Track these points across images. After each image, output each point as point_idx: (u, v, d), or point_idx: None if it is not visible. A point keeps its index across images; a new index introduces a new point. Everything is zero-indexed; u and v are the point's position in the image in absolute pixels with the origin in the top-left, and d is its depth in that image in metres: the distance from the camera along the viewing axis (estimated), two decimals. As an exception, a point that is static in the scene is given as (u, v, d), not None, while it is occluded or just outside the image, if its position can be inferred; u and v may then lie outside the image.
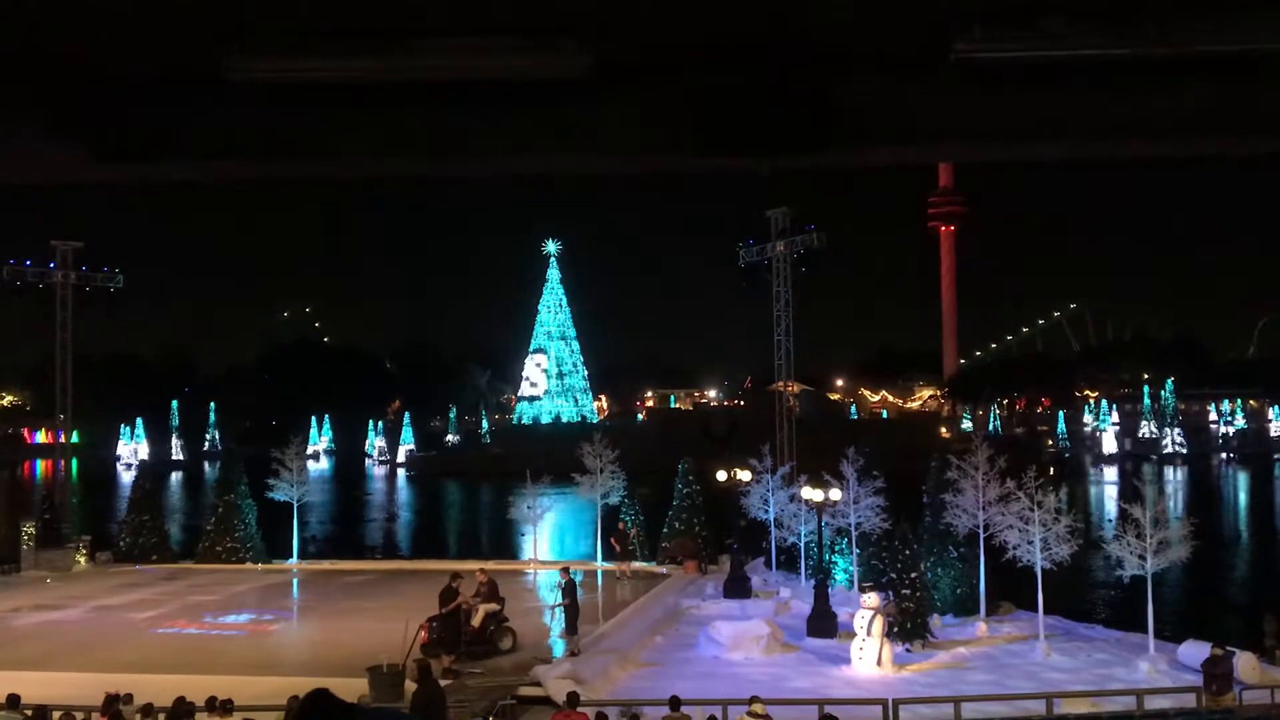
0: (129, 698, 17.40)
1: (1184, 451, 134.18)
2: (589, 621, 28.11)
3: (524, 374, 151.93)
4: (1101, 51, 3.96)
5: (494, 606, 24.30)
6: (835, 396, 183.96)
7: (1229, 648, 21.24)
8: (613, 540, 37.68)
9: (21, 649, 25.60)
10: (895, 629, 24.93)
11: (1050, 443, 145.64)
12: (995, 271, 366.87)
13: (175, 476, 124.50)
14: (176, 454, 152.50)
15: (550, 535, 54.14)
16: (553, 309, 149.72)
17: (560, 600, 25.45)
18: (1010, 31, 3.91)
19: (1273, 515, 76.96)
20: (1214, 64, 3.91)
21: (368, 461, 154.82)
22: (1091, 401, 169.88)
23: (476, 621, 23.73)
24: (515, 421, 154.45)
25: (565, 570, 26.86)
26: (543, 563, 39.42)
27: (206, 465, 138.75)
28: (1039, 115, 4.45)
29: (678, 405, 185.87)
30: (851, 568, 32.28)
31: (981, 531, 27.94)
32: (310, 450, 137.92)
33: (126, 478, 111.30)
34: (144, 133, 3.52)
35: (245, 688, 19.47)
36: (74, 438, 59.18)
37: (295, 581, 37.86)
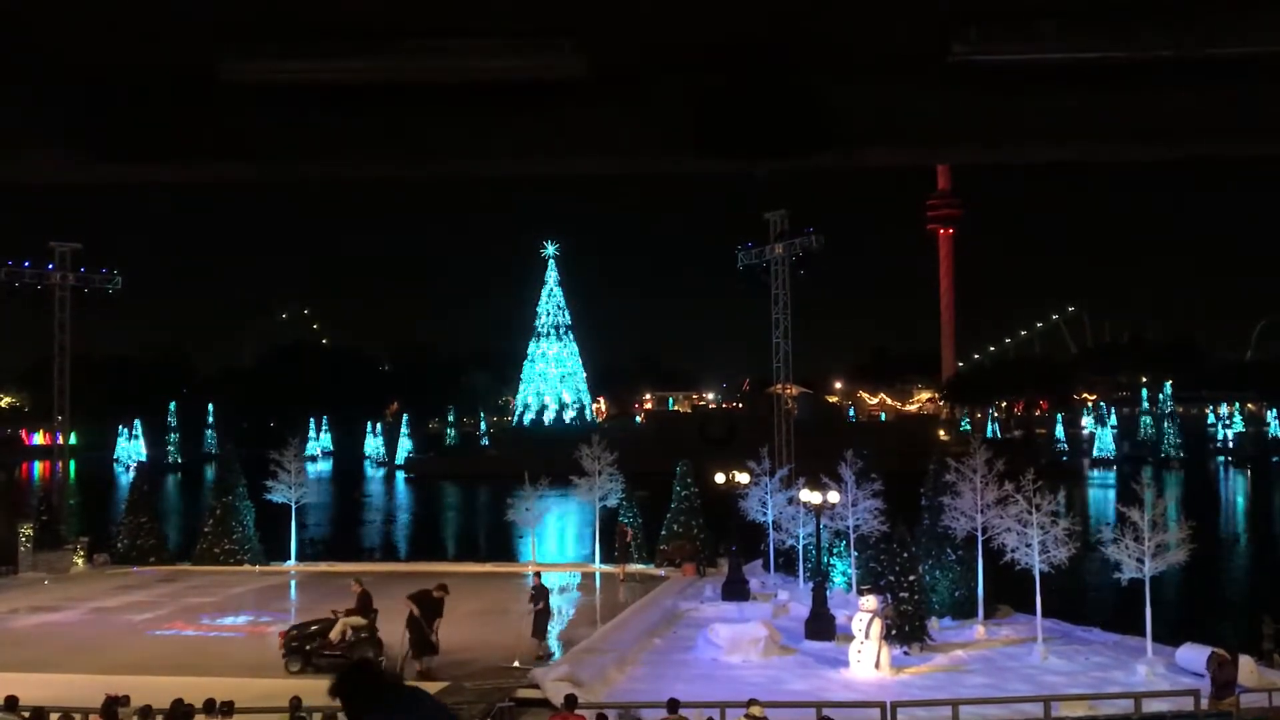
0: (126, 699, 17.37)
1: (1182, 454, 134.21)
2: (586, 624, 28.11)
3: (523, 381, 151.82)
4: (1099, 54, 3.96)
5: (359, 621, 23.42)
6: (833, 399, 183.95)
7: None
8: (616, 540, 37.79)
9: (19, 651, 25.57)
10: (893, 632, 24.93)
11: (1051, 447, 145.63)
12: (993, 274, 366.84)
13: (173, 478, 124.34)
14: (174, 455, 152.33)
15: (549, 538, 54.13)
16: (551, 311, 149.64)
17: (535, 605, 25.22)
18: (1008, 34, 3.91)
19: (1270, 519, 77.00)
20: (1213, 66, 3.91)
21: (366, 463, 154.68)
22: (1089, 404, 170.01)
23: (335, 635, 23.08)
24: (514, 424, 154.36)
25: (537, 575, 26.69)
26: (541, 565, 39.39)
27: (205, 467, 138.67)
28: (1037, 118, 4.45)
29: (676, 408, 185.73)
30: (850, 570, 32.28)
31: (980, 534, 27.95)
32: (308, 453, 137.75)
33: (124, 479, 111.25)
34: (142, 133, 3.53)
35: (243, 689, 19.45)
36: (72, 439, 59.13)
37: (293, 583, 37.84)
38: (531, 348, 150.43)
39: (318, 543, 56.11)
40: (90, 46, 3.20)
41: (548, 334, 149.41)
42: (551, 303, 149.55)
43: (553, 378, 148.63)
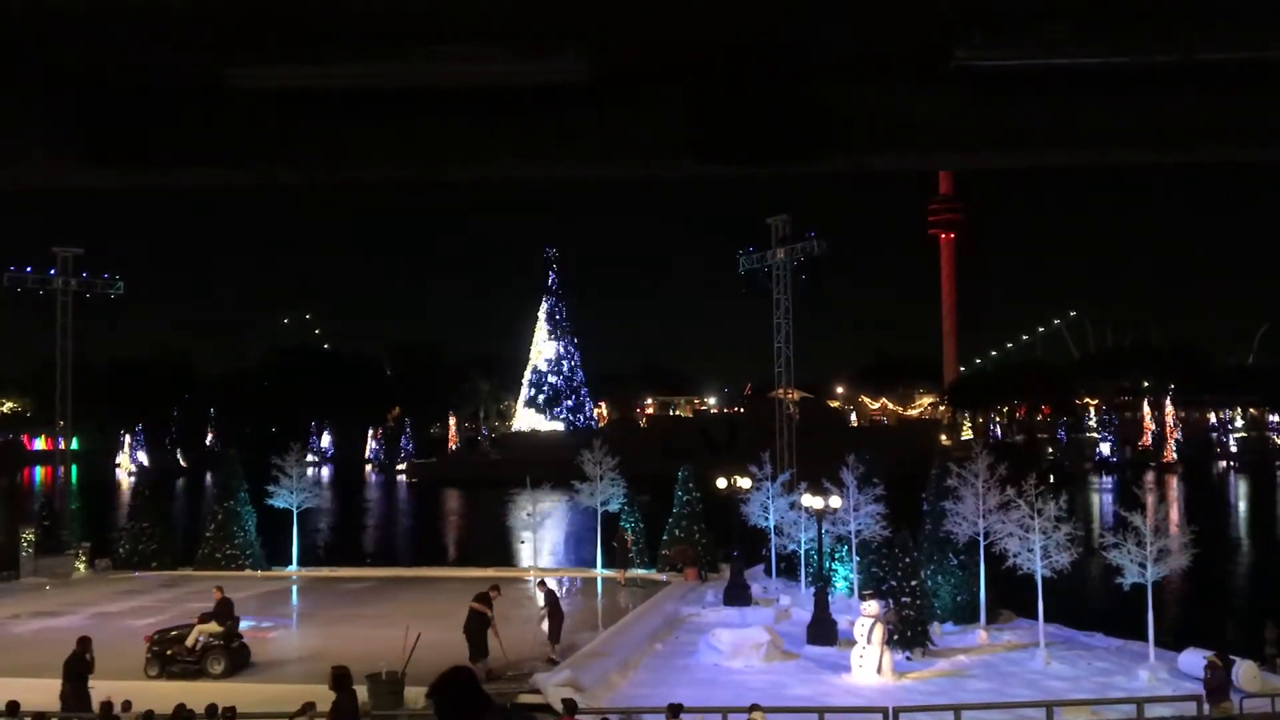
0: (128, 704, 17.39)
1: (1184, 459, 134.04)
2: (588, 629, 28.10)
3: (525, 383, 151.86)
4: (1102, 59, 3.96)
5: (213, 628, 23.28)
6: (835, 404, 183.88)
7: (1229, 656, 21.23)
8: (614, 543, 37.84)
9: (21, 656, 25.56)
10: (895, 637, 24.90)
11: (1050, 450, 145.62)
12: (995, 278, 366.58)
13: (175, 483, 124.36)
14: (177, 460, 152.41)
15: (550, 542, 54.10)
16: (553, 315, 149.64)
17: (542, 610, 25.28)
18: (1011, 38, 3.91)
19: (1273, 523, 76.90)
20: (1215, 71, 3.90)
21: (367, 468, 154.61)
22: (1092, 409, 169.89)
23: (190, 641, 23.01)
24: (515, 428, 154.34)
25: (542, 583, 26.70)
26: (543, 570, 39.39)
27: (206, 471, 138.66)
28: (1039, 122, 4.45)
29: (678, 413, 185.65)
30: (851, 575, 32.24)
31: (981, 539, 27.92)
32: (310, 458, 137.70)
33: (126, 484, 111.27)
34: (148, 138, 3.53)
35: (244, 694, 19.46)
36: (74, 444, 59.13)
37: (295, 589, 37.83)
38: (533, 352, 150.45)
39: (319, 548, 56.07)
40: (99, 53, 3.21)
41: (549, 338, 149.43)
42: (553, 307, 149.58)
43: (554, 382, 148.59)
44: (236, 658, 23.50)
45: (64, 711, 17.92)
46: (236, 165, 3.88)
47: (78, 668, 18.78)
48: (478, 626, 22.94)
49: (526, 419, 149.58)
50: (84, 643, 19.27)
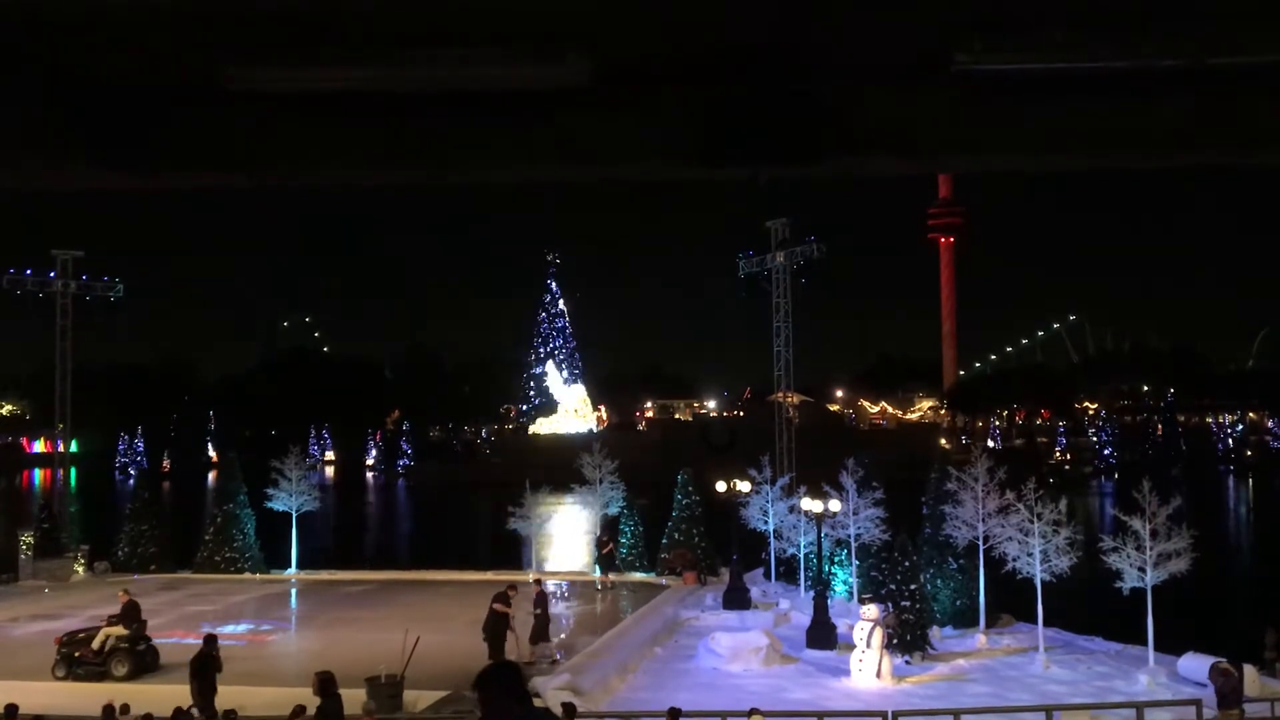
0: (126, 708, 17.36)
1: (1183, 463, 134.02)
2: (588, 632, 28.08)
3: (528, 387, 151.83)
4: (1103, 63, 3.96)
5: (119, 630, 23.30)
6: (835, 407, 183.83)
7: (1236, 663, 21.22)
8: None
9: (19, 659, 25.54)
10: (895, 641, 24.88)
11: (1052, 456, 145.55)
12: (995, 281, 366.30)
13: (174, 486, 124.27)
14: (176, 463, 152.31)
15: (550, 546, 54.06)
16: (552, 319, 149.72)
17: (533, 610, 25.32)
18: (1011, 43, 3.91)
19: (1272, 527, 76.87)
20: (1215, 75, 3.91)
21: (367, 471, 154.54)
22: (1091, 413, 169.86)
23: (96, 643, 23.06)
24: (515, 432, 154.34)
25: (538, 581, 26.78)
26: (541, 573, 39.36)
27: (206, 474, 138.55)
28: (1039, 127, 4.45)
29: (677, 416, 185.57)
30: (851, 579, 32.23)
31: (981, 543, 27.90)
32: (310, 461, 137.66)
33: (125, 487, 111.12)
34: (147, 140, 3.53)
35: (243, 698, 19.41)
36: (73, 447, 59.08)
37: (294, 592, 37.81)
38: (533, 355, 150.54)
39: (318, 551, 55.99)
40: (95, 55, 3.21)
41: (549, 341, 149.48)
42: (553, 310, 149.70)
43: (554, 385, 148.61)
44: (141, 660, 23.53)
45: (193, 710, 17.94)
46: (236, 168, 3.88)
47: (205, 666, 18.81)
48: (499, 626, 23.05)
49: (526, 422, 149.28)
50: (210, 641, 19.32)
